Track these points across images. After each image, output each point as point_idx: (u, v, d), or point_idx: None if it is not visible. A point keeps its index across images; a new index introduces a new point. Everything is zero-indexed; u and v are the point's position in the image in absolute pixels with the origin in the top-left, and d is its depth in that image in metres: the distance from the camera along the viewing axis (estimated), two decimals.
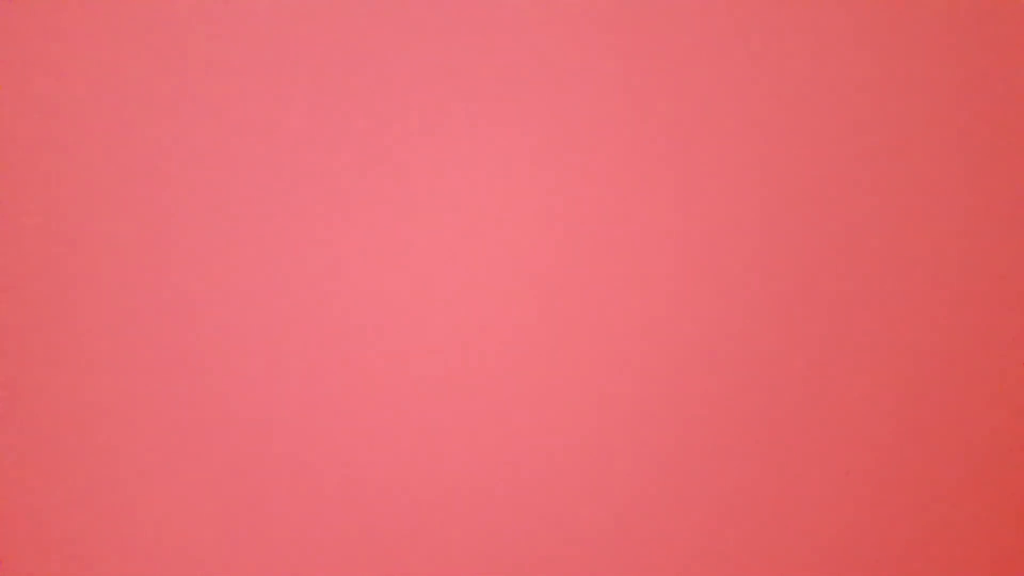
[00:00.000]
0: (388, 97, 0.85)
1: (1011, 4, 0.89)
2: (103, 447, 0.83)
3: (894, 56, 0.88)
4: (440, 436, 0.86)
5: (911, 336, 0.88)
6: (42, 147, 0.83)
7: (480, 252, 0.85)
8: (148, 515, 0.84)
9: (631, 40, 0.86)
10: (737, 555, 0.88)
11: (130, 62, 0.83)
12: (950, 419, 0.89)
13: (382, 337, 0.85)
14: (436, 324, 0.85)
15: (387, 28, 0.85)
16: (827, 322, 0.88)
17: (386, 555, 0.86)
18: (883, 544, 0.89)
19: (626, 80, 0.86)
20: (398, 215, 0.85)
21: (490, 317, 0.86)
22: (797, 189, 0.88)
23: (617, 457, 0.87)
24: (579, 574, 0.87)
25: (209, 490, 0.84)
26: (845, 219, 0.88)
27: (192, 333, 0.84)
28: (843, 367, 0.88)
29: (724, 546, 0.88)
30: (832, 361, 0.88)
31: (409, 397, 0.85)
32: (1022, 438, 0.89)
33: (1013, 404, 0.89)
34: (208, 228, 0.84)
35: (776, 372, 0.87)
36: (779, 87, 0.87)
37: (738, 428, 0.87)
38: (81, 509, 0.83)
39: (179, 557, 0.84)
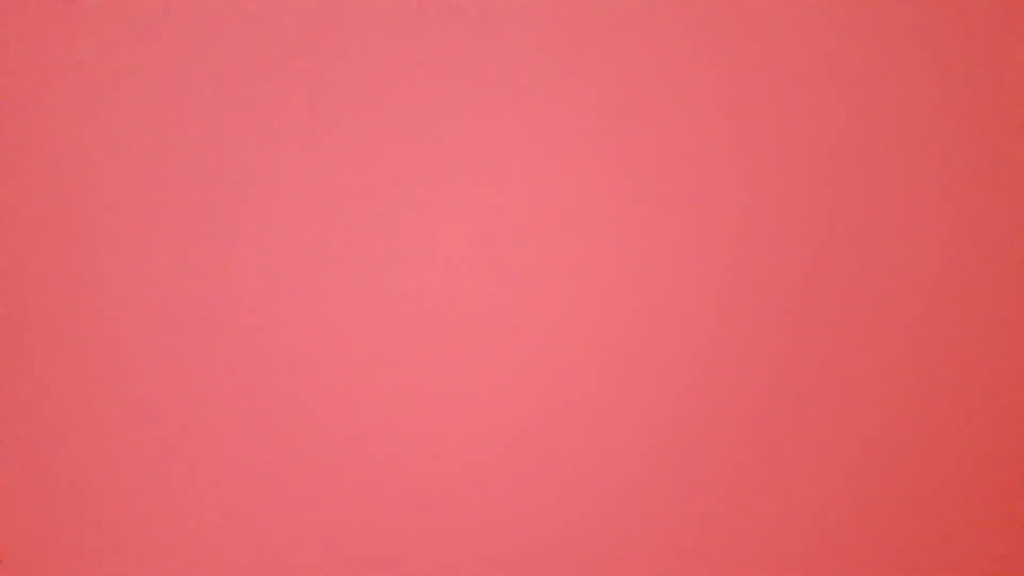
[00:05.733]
0: (388, 97, 0.85)
1: (1011, 4, 0.89)
2: (102, 447, 0.84)
3: (890, 53, 0.88)
4: (439, 436, 0.86)
5: (907, 336, 0.88)
6: (44, 148, 0.83)
7: (478, 251, 0.86)
8: (147, 515, 0.84)
9: (628, 40, 0.86)
10: (735, 555, 0.88)
11: (136, 64, 0.84)
12: (948, 417, 0.89)
13: (379, 336, 0.85)
14: (435, 323, 0.85)
15: (387, 28, 0.85)
16: (823, 320, 0.88)
17: (385, 554, 0.86)
18: (882, 544, 0.89)
19: (623, 80, 0.86)
20: (398, 216, 0.85)
21: (488, 316, 0.86)
22: (793, 187, 0.88)
23: (617, 458, 0.87)
24: (572, 570, 0.87)
25: (209, 490, 0.84)
26: (841, 219, 0.88)
27: (191, 333, 0.84)
28: (840, 366, 0.88)
29: (721, 545, 0.88)
30: (829, 359, 0.88)
31: (408, 397, 0.85)
32: (1022, 438, 0.89)
33: (1013, 404, 0.89)
34: (206, 228, 0.84)
35: (775, 371, 0.87)
36: (776, 86, 0.87)
37: (735, 426, 0.87)
38: (80, 509, 0.84)
39: (180, 557, 0.84)
